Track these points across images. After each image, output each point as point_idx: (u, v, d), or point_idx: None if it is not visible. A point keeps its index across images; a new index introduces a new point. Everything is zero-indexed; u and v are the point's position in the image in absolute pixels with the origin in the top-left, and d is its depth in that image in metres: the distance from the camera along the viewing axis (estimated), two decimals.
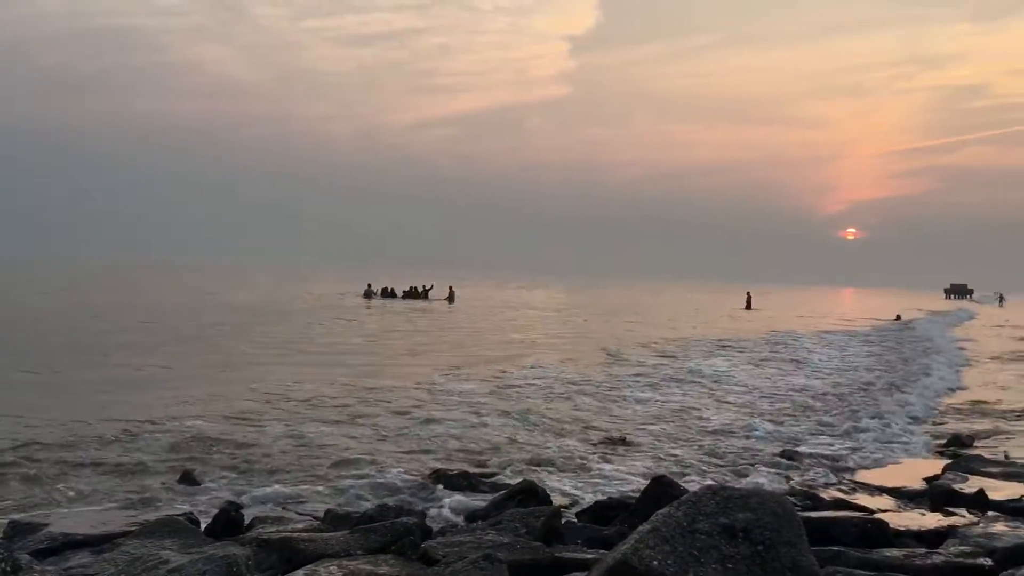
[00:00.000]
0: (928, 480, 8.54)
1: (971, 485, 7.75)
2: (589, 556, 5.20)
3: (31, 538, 5.93)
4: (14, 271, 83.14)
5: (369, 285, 56.04)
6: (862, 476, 9.27)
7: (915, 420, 13.83)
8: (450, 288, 55.59)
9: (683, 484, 7.15)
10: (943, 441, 11.59)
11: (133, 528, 6.08)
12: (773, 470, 9.48)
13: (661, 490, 6.48)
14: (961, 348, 30.64)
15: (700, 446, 11.12)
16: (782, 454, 10.50)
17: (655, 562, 3.18)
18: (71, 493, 7.80)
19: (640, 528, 3.44)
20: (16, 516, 6.73)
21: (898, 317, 51.93)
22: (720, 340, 29.88)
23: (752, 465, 9.84)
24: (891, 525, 6.32)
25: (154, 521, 6.23)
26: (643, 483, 7.72)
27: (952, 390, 18.24)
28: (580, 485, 8.67)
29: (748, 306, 61.47)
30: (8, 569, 3.64)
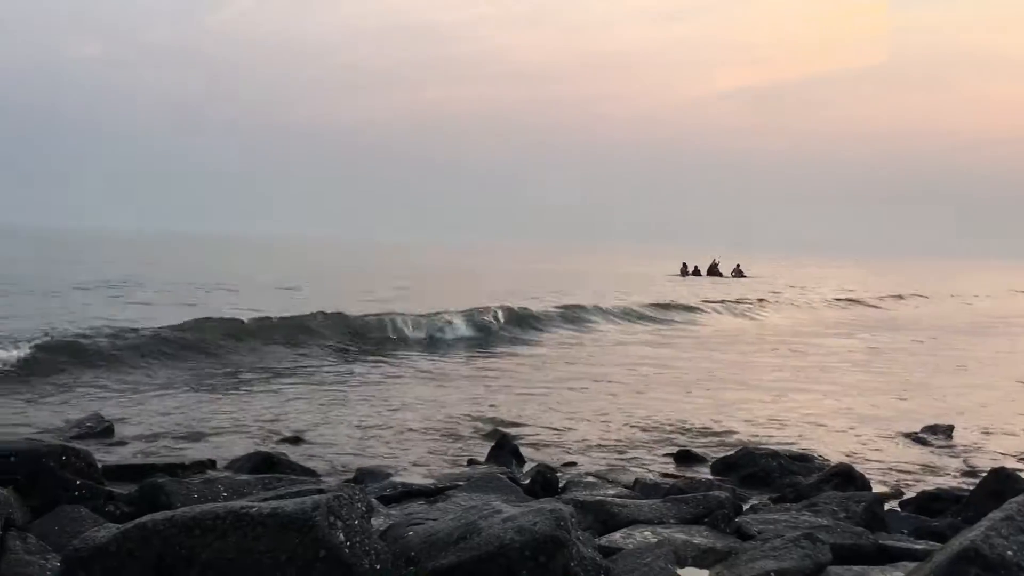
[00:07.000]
0: None
1: None
2: (919, 547, 4.91)
3: (375, 485, 6.62)
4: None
5: (684, 264, 58.87)
6: None
7: None
8: (736, 265, 58.72)
9: None
10: None
11: (460, 483, 6.59)
12: None
13: (1001, 483, 5.95)
14: None
15: None
16: None
17: (1009, 552, 2.93)
18: (406, 450, 8.60)
19: (992, 515, 3.19)
20: (363, 464, 7.55)
21: None
22: None
23: None
24: None
25: (479, 476, 6.73)
26: None
27: None
28: None
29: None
30: (364, 509, 4.10)
